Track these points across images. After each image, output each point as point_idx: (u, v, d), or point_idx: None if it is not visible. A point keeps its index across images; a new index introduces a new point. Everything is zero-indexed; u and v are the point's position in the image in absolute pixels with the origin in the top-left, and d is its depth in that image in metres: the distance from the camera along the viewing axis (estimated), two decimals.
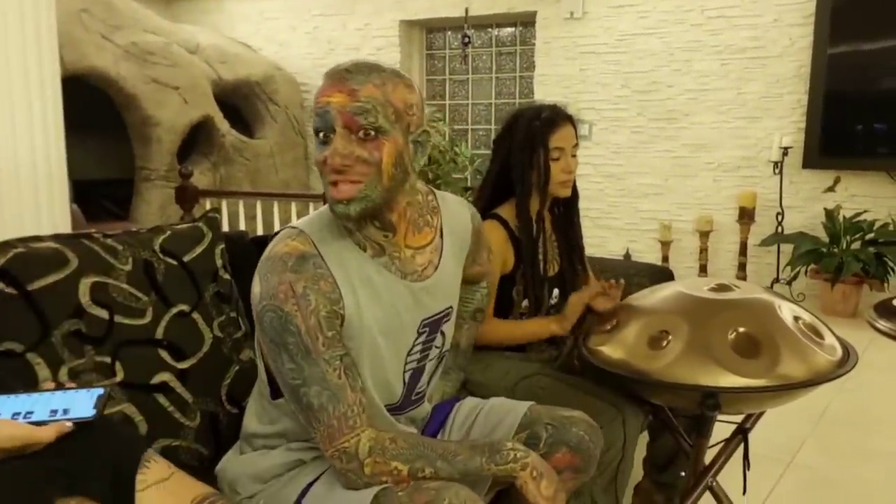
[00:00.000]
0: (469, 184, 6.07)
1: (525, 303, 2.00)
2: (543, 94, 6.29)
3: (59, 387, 0.84)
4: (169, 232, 1.65)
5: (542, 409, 1.46)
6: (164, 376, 1.48)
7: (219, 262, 1.68)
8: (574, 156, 1.96)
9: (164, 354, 1.49)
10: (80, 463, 0.93)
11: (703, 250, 5.63)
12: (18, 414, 0.92)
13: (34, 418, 0.93)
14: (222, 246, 1.72)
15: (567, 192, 1.98)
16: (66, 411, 0.94)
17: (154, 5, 6.99)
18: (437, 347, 1.41)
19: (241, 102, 6.48)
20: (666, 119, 5.82)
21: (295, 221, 1.31)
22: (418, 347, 1.36)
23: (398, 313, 1.30)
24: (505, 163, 1.98)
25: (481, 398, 1.88)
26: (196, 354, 1.55)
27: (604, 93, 6.03)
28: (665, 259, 5.70)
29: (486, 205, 2.00)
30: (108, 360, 1.40)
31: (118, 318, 1.44)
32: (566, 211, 2.06)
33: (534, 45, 6.45)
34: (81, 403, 0.95)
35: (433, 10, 6.68)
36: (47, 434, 0.93)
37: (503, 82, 6.88)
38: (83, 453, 0.95)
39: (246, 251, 1.79)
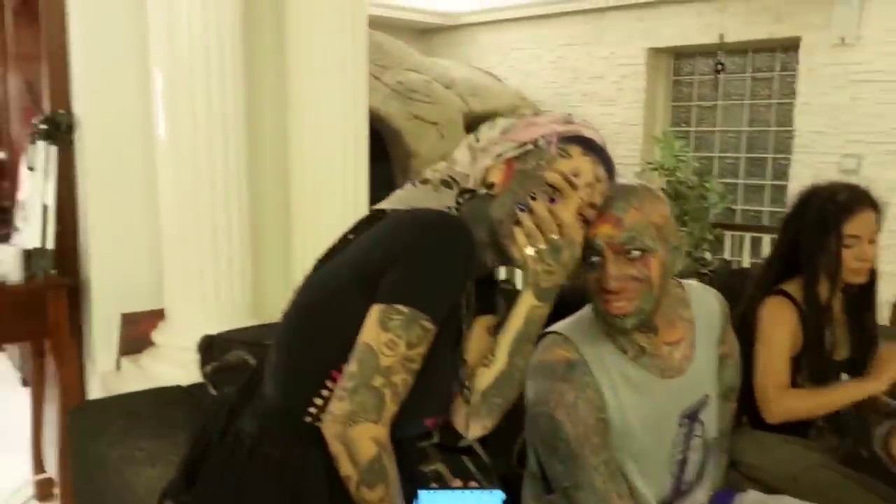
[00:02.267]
0: (714, 218, 5.82)
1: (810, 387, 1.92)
2: (804, 123, 5.90)
3: (465, 486, 0.99)
4: None
5: None
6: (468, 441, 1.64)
7: None
8: (873, 242, 1.84)
9: None
10: None
11: None
12: None
13: None
14: None
15: (861, 279, 1.87)
16: None
17: (413, 40, 7.55)
18: (697, 437, 1.43)
19: None
20: None
21: (557, 325, 1.39)
22: (680, 439, 1.40)
23: (658, 409, 1.36)
24: (793, 242, 1.92)
25: (754, 483, 1.85)
26: None
27: (879, 124, 5.51)
28: None
29: (773, 280, 1.95)
30: None
31: None
32: (861, 294, 1.94)
33: (794, 70, 6.07)
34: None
35: (684, 36, 6.53)
36: None
37: (757, 109, 6.54)
38: None
39: None
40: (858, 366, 1.95)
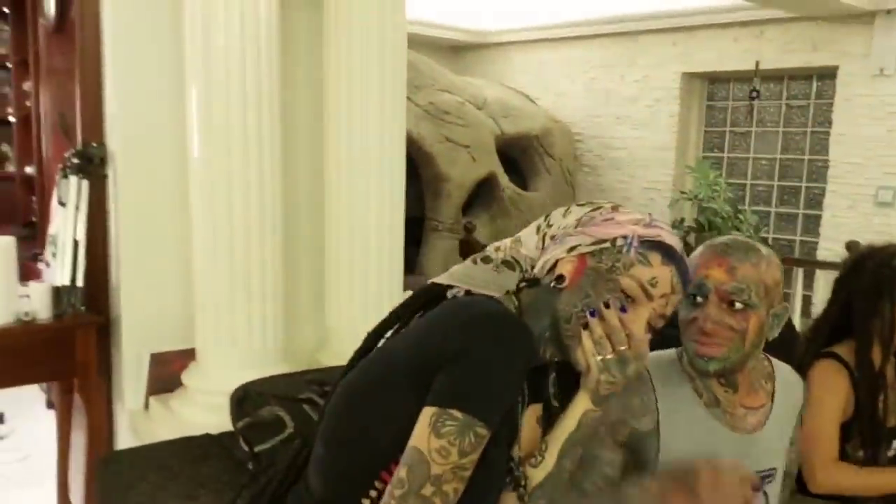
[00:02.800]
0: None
1: (860, 455, 1.85)
2: (840, 154, 5.81)
3: None
4: None
5: None
6: None
7: None
8: None
9: None
10: None
11: None
12: None
13: None
14: None
15: None
16: None
17: (444, 58, 7.54)
18: None
19: (518, 155, 6.74)
20: None
21: None
22: None
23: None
24: (846, 305, 1.86)
25: None
26: None
27: None
28: None
29: (823, 342, 1.89)
30: None
31: None
32: None
33: (830, 99, 5.97)
34: None
35: (720, 62, 6.45)
36: None
37: (791, 137, 6.43)
38: None
39: None
40: None
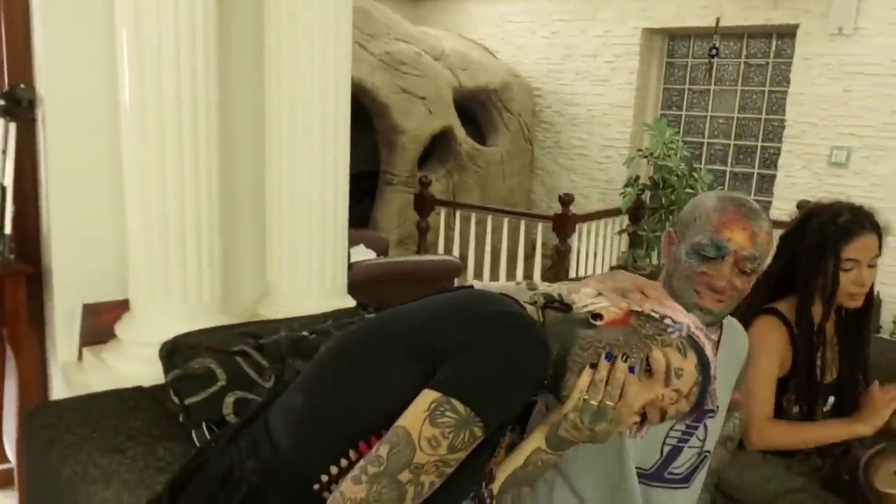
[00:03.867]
0: None
1: (796, 410, 1.88)
2: (796, 114, 5.85)
3: None
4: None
5: None
6: None
7: None
8: (872, 266, 1.79)
9: None
10: None
11: None
12: None
13: None
14: None
15: (856, 304, 1.82)
16: None
17: (402, 8, 7.36)
18: (698, 439, 1.44)
19: (477, 109, 6.65)
20: None
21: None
22: (681, 426, 1.42)
23: None
24: (790, 262, 1.86)
25: (731, 501, 1.84)
26: None
27: (870, 118, 5.47)
28: None
29: (765, 298, 1.89)
30: None
31: None
32: (855, 317, 1.89)
33: (789, 59, 5.99)
34: None
35: (680, 18, 6.41)
36: None
37: (749, 96, 6.46)
38: None
39: None
40: (847, 389, 1.92)
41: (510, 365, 0.91)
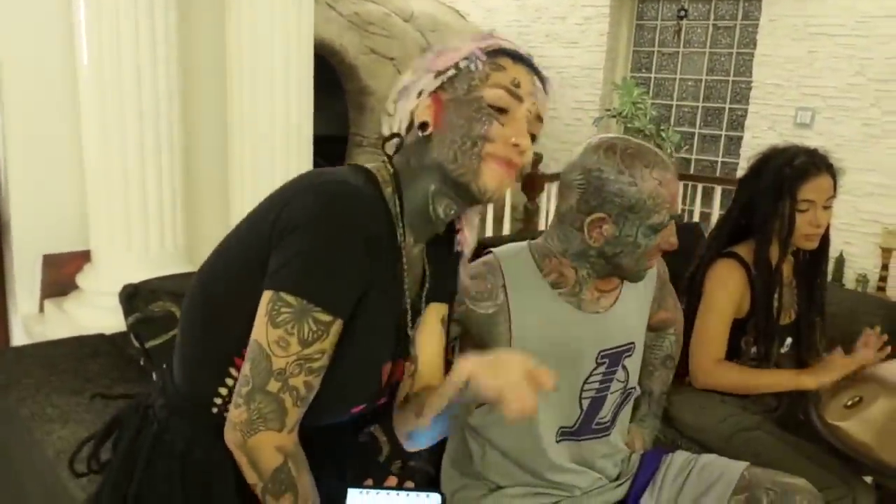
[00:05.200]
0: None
1: (753, 351, 1.92)
2: (763, 75, 5.89)
3: (399, 485, 0.90)
4: None
5: (760, 472, 1.45)
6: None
7: None
8: (828, 207, 1.82)
9: None
10: None
11: None
12: None
13: None
14: None
15: (812, 246, 1.85)
16: None
17: None
18: (619, 381, 1.46)
19: None
20: None
21: (498, 250, 1.44)
22: (597, 377, 1.42)
23: (571, 340, 1.39)
24: (747, 205, 1.89)
25: (690, 441, 1.87)
26: None
27: (833, 79, 5.52)
28: (884, 267, 5.22)
29: (724, 243, 1.92)
30: None
31: None
32: (812, 259, 1.93)
33: (757, 21, 6.02)
34: None
35: None
36: None
37: (717, 58, 6.49)
38: None
39: None
40: (803, 330, 1.96)
41: (329, 239, 0.85)
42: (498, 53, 0.97)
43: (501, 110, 0.95)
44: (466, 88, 0.95)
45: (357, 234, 0.87)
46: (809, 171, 1.79)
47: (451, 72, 0.96)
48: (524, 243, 1.45)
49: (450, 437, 1.55)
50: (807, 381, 1.77)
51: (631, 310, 1.47)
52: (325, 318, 0.85)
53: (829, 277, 5.21)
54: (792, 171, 1.79)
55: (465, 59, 0.95)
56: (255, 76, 2.20)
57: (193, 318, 0.98)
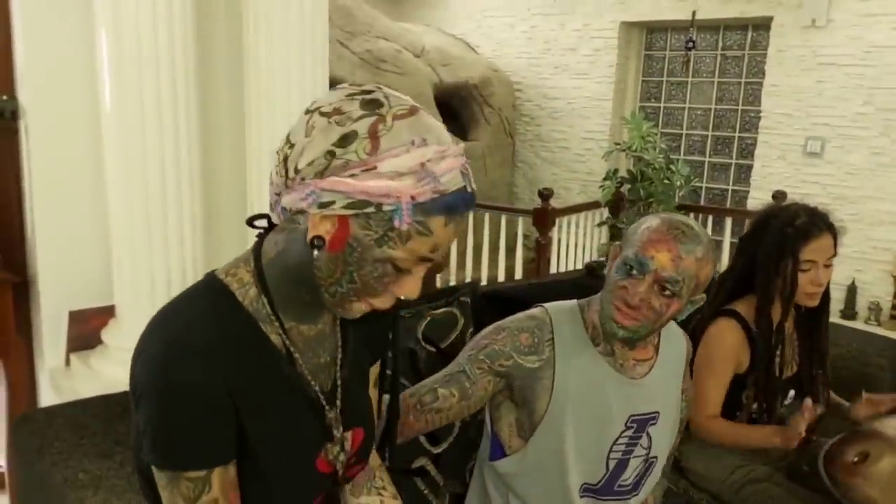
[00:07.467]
0: (678, 200, 5.84)
1: (755, 406, 1.92)
2: (771, 104, 5.93)
3: None
4: (428, 318, 1.80)
5: None
6: (421, 461, 1.65)
7: None
8: (829, 266, 1.85)
9: (422, 440, 1.66)
10: None
11: None
12: None
13: None
14: (471, 330, 1.85)
15: (813, 303, 1.88)
16: None
17: (383, 3, 7.37)
18: (643, 448, 1.49)
19: (458, 104, 6.70)
20: None
21: (549, 305, 1.49)
22: (624, 440, 1.47)
23: (607, 401, 1.43)
24: (749, 263, 1.91)
25: (701, 492, 1.90)
26: (447, 439, 1.70)
27: (842, 108, 5.56)
28: None
29: (725, 299, 1.95)
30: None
31: None
32: (813, 314, 1.96)
33: (764, 50, 6.08)
34: None
35: (658, 11, 6.47)
36: None
37: (726, 87, 6.55)
38: None
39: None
40: (806, 382, 1.98)
41: (170, 406, 0.82)
42: (432, 210, 0.80)
43: (404, 271, 0.84)
44: (378, 238, 0.81)
45: (197, 391, 0.82)
46: (811, 232, 1.81)
47: (371, 208, 0.79)
48: (574, 302, 1.50)
49: (470, 486, 1.61)
50: (777, 441, 1.76)
51: (660, 380, 1.51)
52: (198, 474, 0.84)
53: (842, 305, 5.23)
54: (794, 232, 1.81)
55: (389, 198, 0.79)
56: (273, 121, 2.26)
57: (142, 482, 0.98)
